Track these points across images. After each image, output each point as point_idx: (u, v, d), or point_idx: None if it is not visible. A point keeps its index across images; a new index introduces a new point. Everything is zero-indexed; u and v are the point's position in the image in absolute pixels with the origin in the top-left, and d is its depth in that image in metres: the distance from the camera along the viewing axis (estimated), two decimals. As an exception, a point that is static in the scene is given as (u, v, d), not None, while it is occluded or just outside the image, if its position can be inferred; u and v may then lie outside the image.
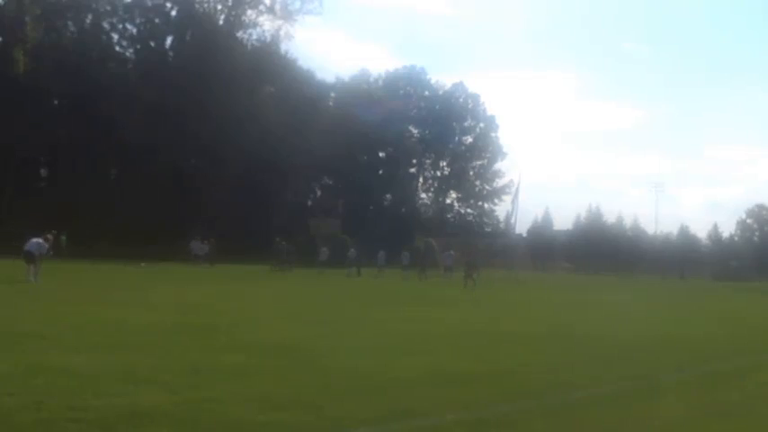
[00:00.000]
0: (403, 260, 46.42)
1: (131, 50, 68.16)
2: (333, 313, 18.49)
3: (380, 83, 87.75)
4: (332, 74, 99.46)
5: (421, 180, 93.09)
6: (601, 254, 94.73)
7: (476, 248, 54.46)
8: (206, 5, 68.83)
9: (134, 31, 67.48)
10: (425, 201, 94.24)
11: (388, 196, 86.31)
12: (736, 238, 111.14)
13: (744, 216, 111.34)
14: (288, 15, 70.41)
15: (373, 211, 79.81)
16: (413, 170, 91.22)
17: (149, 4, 66.60)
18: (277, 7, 70.05)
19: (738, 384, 10.27)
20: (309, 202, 78.11)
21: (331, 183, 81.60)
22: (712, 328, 18.80)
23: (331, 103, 78.80)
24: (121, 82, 60.43)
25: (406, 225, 76.97)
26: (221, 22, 68.98)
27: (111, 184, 63.71)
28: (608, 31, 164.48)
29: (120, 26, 67.15)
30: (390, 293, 29.37)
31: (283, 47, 72.61)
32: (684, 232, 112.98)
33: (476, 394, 8.17)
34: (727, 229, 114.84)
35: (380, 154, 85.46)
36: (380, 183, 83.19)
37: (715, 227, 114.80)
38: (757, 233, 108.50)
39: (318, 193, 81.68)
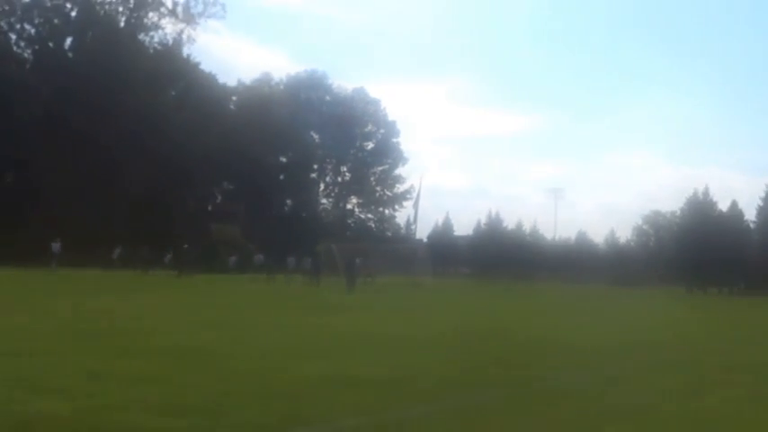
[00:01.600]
0: (304, 266, 50.78)
1: (29, 51, 72.34)
2: (235, 318, 19.33)
3: (282, 87, 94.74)
4: (234, 78, 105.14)
5: (322, 185, 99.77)
6: (501, 259, 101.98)
7: (365, 252, 58.54)
8: (107, 7, 74.04)
9: (32, 31, 71.78)
10: (326, 206, 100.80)
11: (289, 201, 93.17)
12: (632, 244, 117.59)
13: (640, 222, 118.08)
14: (190, 18, 76.64)
15: (274, 216, 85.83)
16: (314, 175, 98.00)
17: (48, 4, 70.93)
18: (179, 10, 76.27)
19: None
20: (210, 207, 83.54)
21: (232, 187, 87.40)
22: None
23: (233, 107, 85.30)
24: (19, 83, 64.29)
25: (307, 230, 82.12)
26: (122, 24, 74.43)
27: (7, 187, 67.90)
28: (507, 37, 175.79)
29: (18, 26, 71.39)
30: (292, 299, 30.89)
31: (185, 50, 78.52)
32: (582, 238, 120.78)
33: (375, 399, 8.56)
34: (624, 234, 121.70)
35: (282, 159, 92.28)
36: (281, 188, 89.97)
37: (612, 232, 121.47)
38: (653, 239, 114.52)
39: (219, 197, 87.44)
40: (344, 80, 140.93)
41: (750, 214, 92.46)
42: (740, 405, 9.47)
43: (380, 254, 63.99)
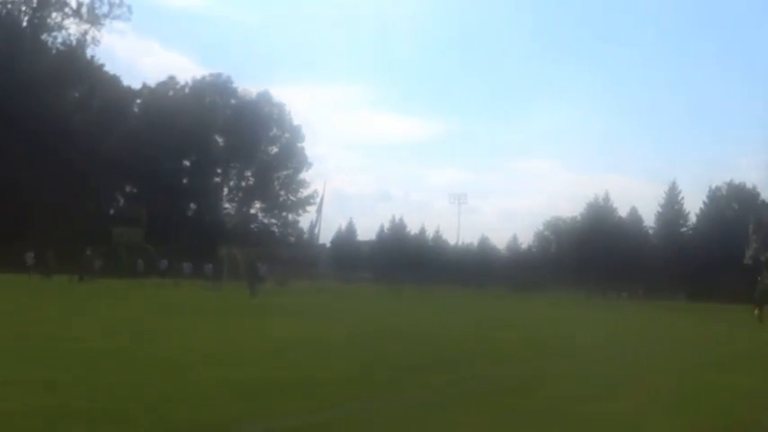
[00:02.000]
0: (206, 270, 52.45)
1: (-74, 51, 71.75)
2: (137, 324, 19.16)
3: (187, 90, 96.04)
4: (139, 81, 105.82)
5: (226, 189, 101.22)
6: (404, 264, 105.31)
7: (272, 258, 59.54)
8: (9, 6, 74.77)
9: (-71, 30, 71.35)
10: (230, 210, 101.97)
11: (193, 205, 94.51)
12: (533, 250, 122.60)
13: (541, 228, 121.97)
14: (95, 19, 77.91)
15: (177, 220, 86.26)
16: (218, 179, 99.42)
17: (-54, 2, 71.07)
18: (84, 11, 77.48)
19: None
20: (112, 211, 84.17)
21: (135, 191, 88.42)
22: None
23: (137, 110, 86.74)
24: None
25: (210, 235, 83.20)
26: (25, 24, 75.27)
27: None
28: (413, 43, 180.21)
29: None
30: (195, 304, 30.96)
31: (89, 51, 79.67)
32: (485, 243, 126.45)
33: (283, 404, 8.66)
34: (526, 240, 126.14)
35: (185, 162, 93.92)
36: (185, 192, 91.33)
37: (514, 238, 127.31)
38: (554, 244, 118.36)
39: (121, 201, 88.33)
40: (250, 84, 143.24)
41: (649, 220, 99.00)
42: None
43: (284, 259, 65.41)
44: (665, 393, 11.04)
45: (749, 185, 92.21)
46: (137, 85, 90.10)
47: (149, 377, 10.02)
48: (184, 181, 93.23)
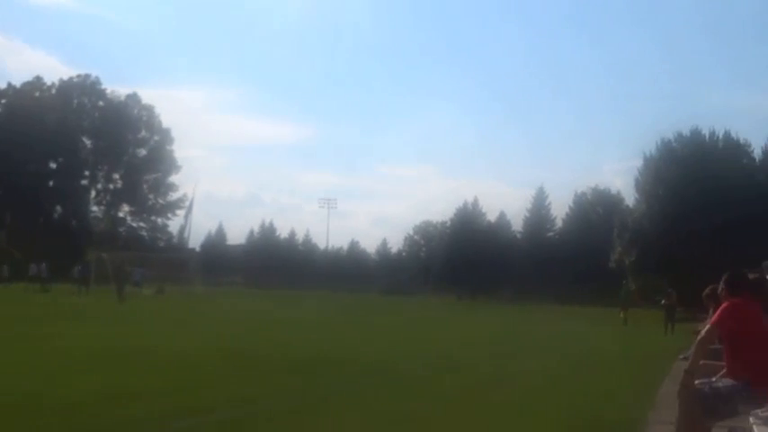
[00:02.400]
0: (74, 274, 52.38)
1: None
2: None
3: (54, 91, 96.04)
4: (3, 81, 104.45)
5: (93, 192, 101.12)
6: (274, 269, 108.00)
7: (144, 262, 60.81)
8: None
9: None
10: (97, 214, 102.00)
11: (59, 208, 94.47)
12: (403, 254, 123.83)
13: (411, 232, 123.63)
14: (-44, 19, 78.04)
15: (42, 223, 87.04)
16: (85, 182, 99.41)
17: None
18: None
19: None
20: None
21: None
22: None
23: (0, 111, 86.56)
24: None
25: (77, 239, 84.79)
26: None
27: None
28: (283, 47, 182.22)
29: None
30: (55, 309, 30.88)
31: (-49, 51, 79.40)
32: (355, 247, 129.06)
33: (146, 411, 8.86)
34: (396, 244, 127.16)
35: (51, 165, 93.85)
36: (51, 194, 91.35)
37: (384, 242, 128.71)
38: (424, 249, 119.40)
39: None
40: (119, 85, 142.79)
41: (517, 225, 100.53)
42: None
43: (153, 263, 65.55)
44: (528, 394, 11.87)
45: (613, 191, 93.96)
46: (1, 86, 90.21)
47: (12, 387, 10.28)
48: (50, 183, 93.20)
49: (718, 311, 7.08)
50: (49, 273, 54.49)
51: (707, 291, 15.04)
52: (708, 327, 7.09)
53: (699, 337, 7.17)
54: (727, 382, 6.94)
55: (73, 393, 10.14)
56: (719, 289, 7.66)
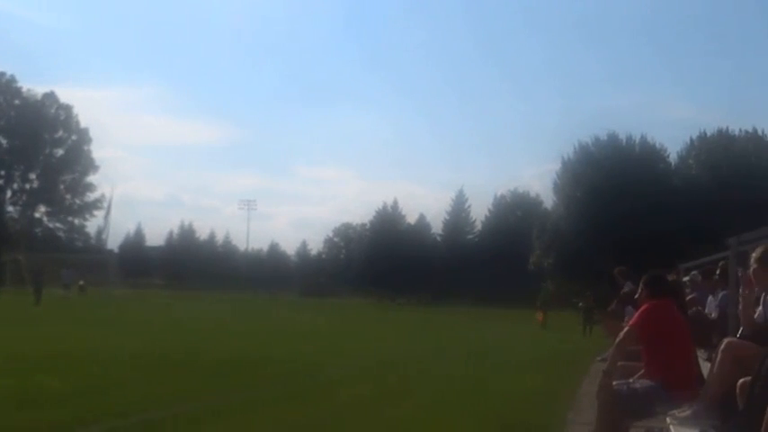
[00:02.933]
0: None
1: None
2: None
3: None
4: None
5: (9, 192, 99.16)
6: (194, 270, 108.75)
7: (72, 264, 60.37)
8: None
9: None
10: (13, 214, 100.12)
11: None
12: (323, 256, 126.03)
13: (331, 234, 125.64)
14: None
15: None
16: (0, 182, 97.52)
17: None
18: None
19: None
20: None
21: None
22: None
23: None
24: None
25: None
26: None
27: None
28: (203, 47, 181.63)
29: None
30: None
31: None
32: (275, 249, 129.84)
33: (65, 415, 8.87)
34: (316, 246, 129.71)
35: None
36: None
37: (303, 244, 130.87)
38: (344, 251, 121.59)
39: None
40: (35, 84, 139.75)
41: (437, 227, 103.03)
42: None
43: (70, 264, 64.39)
44: (448, 398, 11.94)
45: (533, 194, 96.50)
46: None
47: None
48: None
49: (638, 314, 7.25)
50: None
51: (616, 270, 16.41)
52: (626, 329, 7.20)
53: (617, 339, 7.22)
54: (645, 382, 6.96)
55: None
56: (638, 291, 7.88)
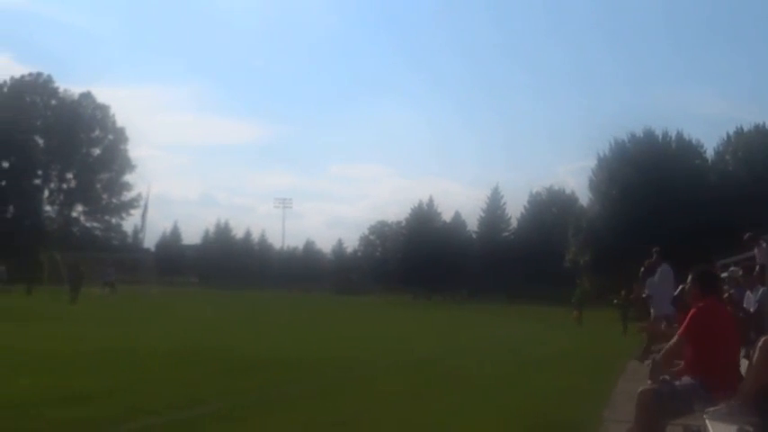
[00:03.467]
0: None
1: None
2: None
3: (6, 90, 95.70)
4: None
5: (46, 192, 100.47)
6: (229, 269, 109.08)
7: (109, 263, 60.65)
8: None
9: None
10: (51, 214, 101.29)
11: (11, 208, 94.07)
12: (359, 254, 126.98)
13: (367, 232, 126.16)
14: None
15: None
16: (38, 181, 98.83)
17: None
18: None
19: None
20: None
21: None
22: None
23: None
24: None
25: (29, 239, 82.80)
26: None
27: None
28: (239, 46, 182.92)
29: None
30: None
31: None
32: (310, 247, 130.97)
33: (99, 413, 8.93)
34: (352, 244, 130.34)
35: (3, 164, 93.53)
36: (2, 194, 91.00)
37: (339, 242, 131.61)
38: (379, 248, 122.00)
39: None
40: (72, 84, 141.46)
41: (472, 225, 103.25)
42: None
43: (107, 263, 65.55)
44: (484, 394, 11.86)
45: (568, 191, 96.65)
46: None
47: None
48: (2, 183, 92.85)
49: (687, 321, 7.12)
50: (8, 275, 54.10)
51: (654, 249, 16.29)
52: (676, 339, 7.20)
53: (666, 347, 7.26)
54: (686, 380, 6.91)
55: (19, 393, 10.15)
56: (687, 287, 7.82)
